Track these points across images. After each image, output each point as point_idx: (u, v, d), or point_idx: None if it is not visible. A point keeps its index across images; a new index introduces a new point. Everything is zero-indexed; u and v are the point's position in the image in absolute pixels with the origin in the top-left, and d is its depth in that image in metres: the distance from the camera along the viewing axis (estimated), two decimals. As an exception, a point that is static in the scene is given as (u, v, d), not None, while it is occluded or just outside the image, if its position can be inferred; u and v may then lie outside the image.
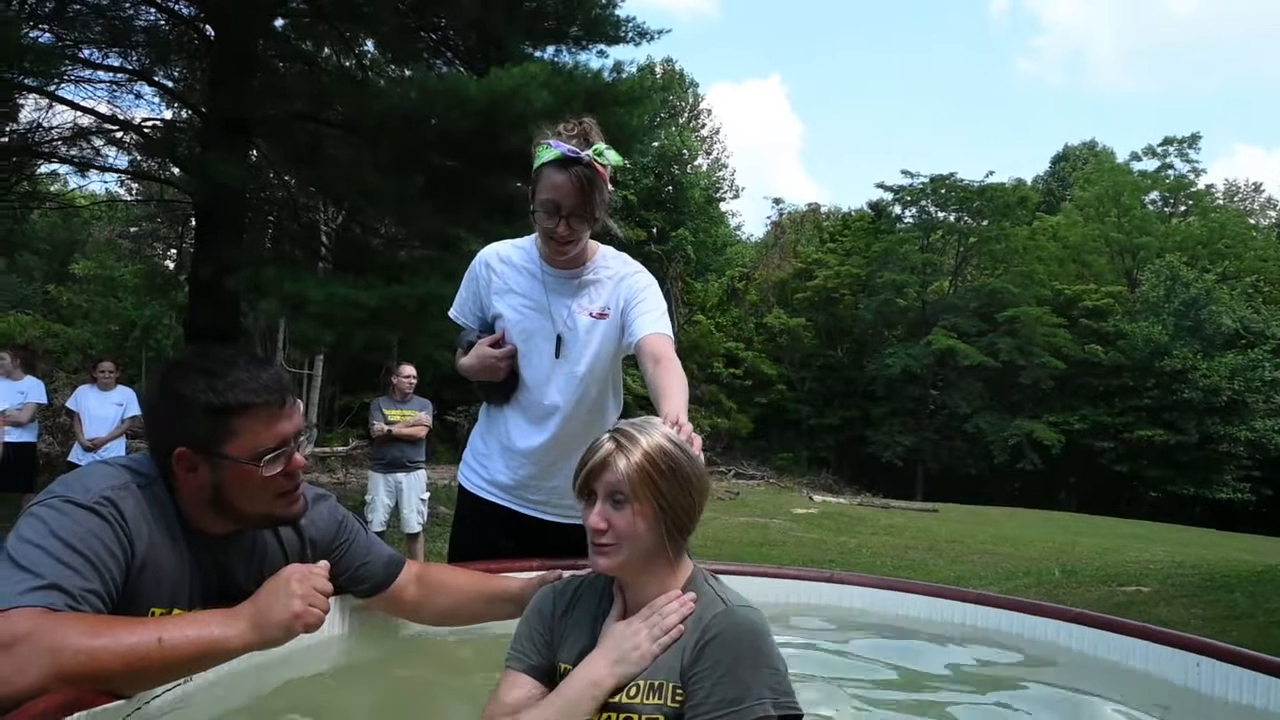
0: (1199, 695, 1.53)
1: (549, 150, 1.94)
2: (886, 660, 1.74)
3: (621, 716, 1.22)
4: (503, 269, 2.14)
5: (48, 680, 1.11)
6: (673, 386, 1.76)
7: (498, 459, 2.20)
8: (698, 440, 1.40)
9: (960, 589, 2.05)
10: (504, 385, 2.15)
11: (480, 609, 1.69)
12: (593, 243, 2.15)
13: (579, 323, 2.09)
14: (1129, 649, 1.67)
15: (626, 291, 2.09)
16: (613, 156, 1.98)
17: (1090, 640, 1.75)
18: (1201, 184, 39.49)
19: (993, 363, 31.15)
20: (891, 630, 1.94)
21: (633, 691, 1.23)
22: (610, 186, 2.04)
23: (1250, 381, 29.37)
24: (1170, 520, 23.88)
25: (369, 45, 11.21)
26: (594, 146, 1.95)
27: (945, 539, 12.59)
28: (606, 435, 1.31)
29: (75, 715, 1.08)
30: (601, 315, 2.09)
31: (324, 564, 1.37)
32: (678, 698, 1.21)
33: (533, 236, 2.16)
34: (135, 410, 7.65)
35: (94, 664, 1.14)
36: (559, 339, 2.09)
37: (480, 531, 2.20)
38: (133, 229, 24.31)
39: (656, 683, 1.23)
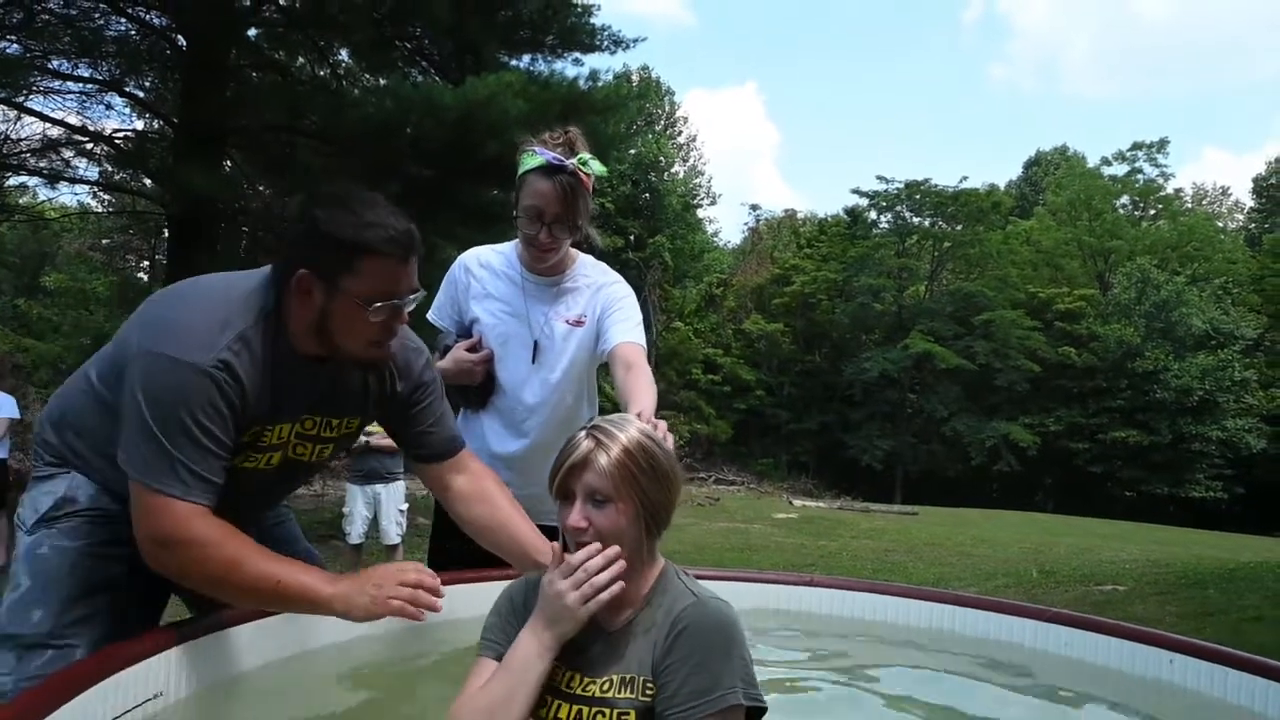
0: (1173, 691, 1.55)
1: (534, 157, 1.95)
2: (866, 662, 1.75)
3: (594, 711, 1.22)
4: (482, 274, 2.15)
5: (208, 582, 1.37)
6: (642, 389, 1.81)
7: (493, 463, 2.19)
8: (670, 436, 1.41)
9: (939, 591, 2.07)
10: (480, 390, 2.16)
11: (504, 542, 1.73)
12: (572, 251, 2.17)
13: (556, 330, 2.10)
14: (1105, 647, 1.69)
15: (603, 300, 2.10)
16: (597, 166, 1.99)
17: (1067, 639, 1.77)
18: (1170, 188, 40.20)
19: (969, 366, 31.44)
20: (871, 633, 1.95)
21: (605, 685, 1.23)
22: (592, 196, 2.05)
23: (1221, 381, 29.85)
24: (1145, 519, 24.17)
25: (343, 54, 11.16)
26: (578, 155, 1.96)
27: (924, 541, 12.66)
28: (583, 433, 1.29)
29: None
30: (578, 323, 2.10)
31: (414, 565, 1.47)
32: (648, 691, 1.21)
33: (513, 243, 2.17)
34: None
35: (236, 581, 1.36)
36: (536, 345, 2.10)
37: (461, 539, 2.18)
38: (104, 241, 24.01)
39: (629, 676, 1.23)
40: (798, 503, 20.37)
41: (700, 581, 1.33)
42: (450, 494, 1.73)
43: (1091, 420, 31.57)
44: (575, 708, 1.23)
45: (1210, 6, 73.99)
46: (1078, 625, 1.78)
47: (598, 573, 1.23)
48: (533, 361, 2.10)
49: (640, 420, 1.35)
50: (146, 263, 24.17)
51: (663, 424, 1.46)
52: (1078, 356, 31.82)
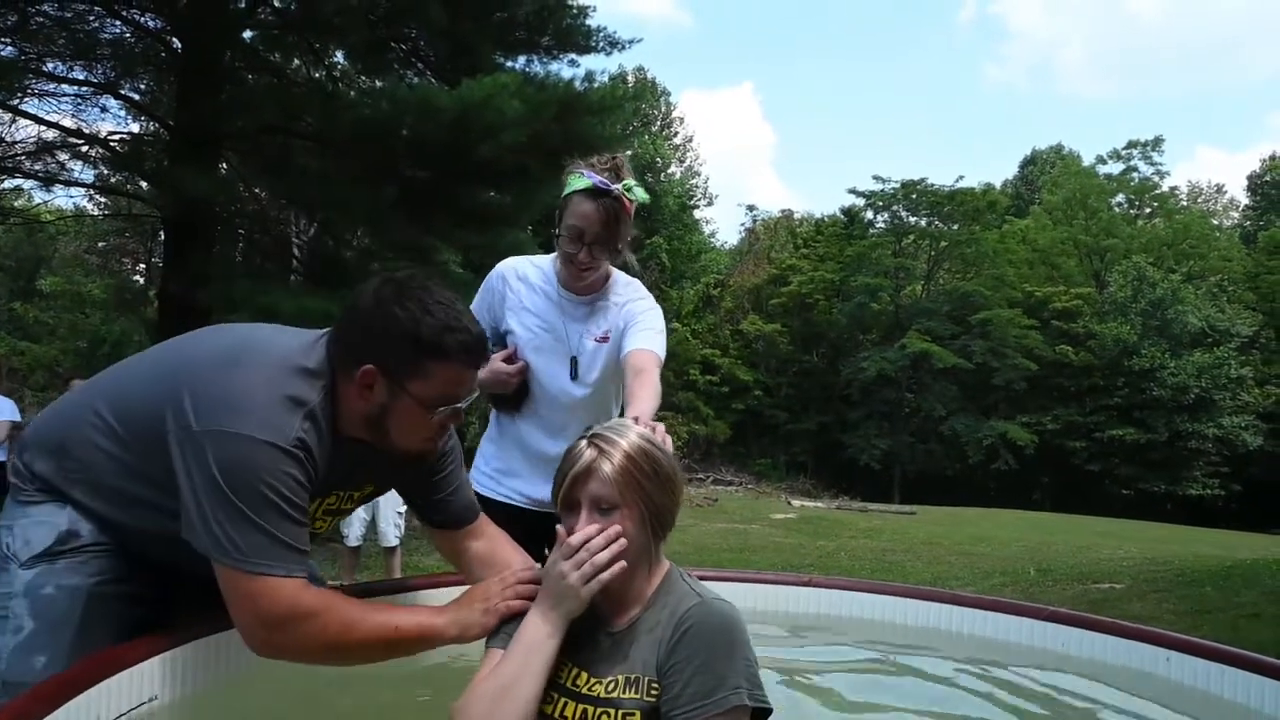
0: (1170, 688, 1.55)
1: (581, 179, 2.00)
2: (865, 662, 1.75)
3: (599, 711, 1.22)
4: (519, 286, 2.19)
5: (327, 651, 1.34)
6: (643, 393, 1.83)
7: (521, 469, 2.24)
8: (669, 438, 1.42)
9: (938, 590, 2.07)
10: (513, 397, 2.20)
11: None
12: (608, 269, 2.22)
13: (587, 347, 2.16)
14: (1102, 645, 1.70)
15: (627, 315, 2.16)
16: (640, 193, 2.04)
17: (1064, 638, 1.77)
18: (1165, 186, 40.31)
19: (966, 365, 31.48)
20: (869, 633, 1.96)
21: (611, 686, 1.24)
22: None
23: (1217, 379, 29.91)
24: (1142, 517, 24.21)
25: (339, 56, 11.14)
26: (624, 182, 2.00)
27: (923, 541, 12.67)
28: (584, 442, 1.30)
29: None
30: (604, 339, 2.16)
31: (520, 574, 1.47)
32: (653, 691, 1.21)
33: (551, 257, 2.21)
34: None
35: (358, 640, 1.34)
36: (574, 361, 2.15)
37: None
38: (100, 244, 23.98)
39: (634, 676, 1.24)
40: (796, 503, 20.38)
41: (701, 583, 1.34)
42: (466, 558, 1.70)
43: (1088, 419, 31.62)
44: (581, 707, 1.23)
45: (1203, 6, 74.21)
46: (1075, 624, 1.78)
47: (599, 552, 1.25)
48: (573, 378, 2.15)
49: (638, 425, 1.36)
50: (142, 265, 24.15)
51: (660, 426, 1.47)
52: (1074, 355, 31.87)
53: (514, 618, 1.36)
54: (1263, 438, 30.10)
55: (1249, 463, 30.21)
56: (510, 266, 2.23)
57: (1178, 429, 30.06)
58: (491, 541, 1.71)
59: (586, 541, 1.25)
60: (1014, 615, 1.89)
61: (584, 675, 1.27)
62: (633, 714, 1.21)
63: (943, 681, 1.61)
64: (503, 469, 2.27)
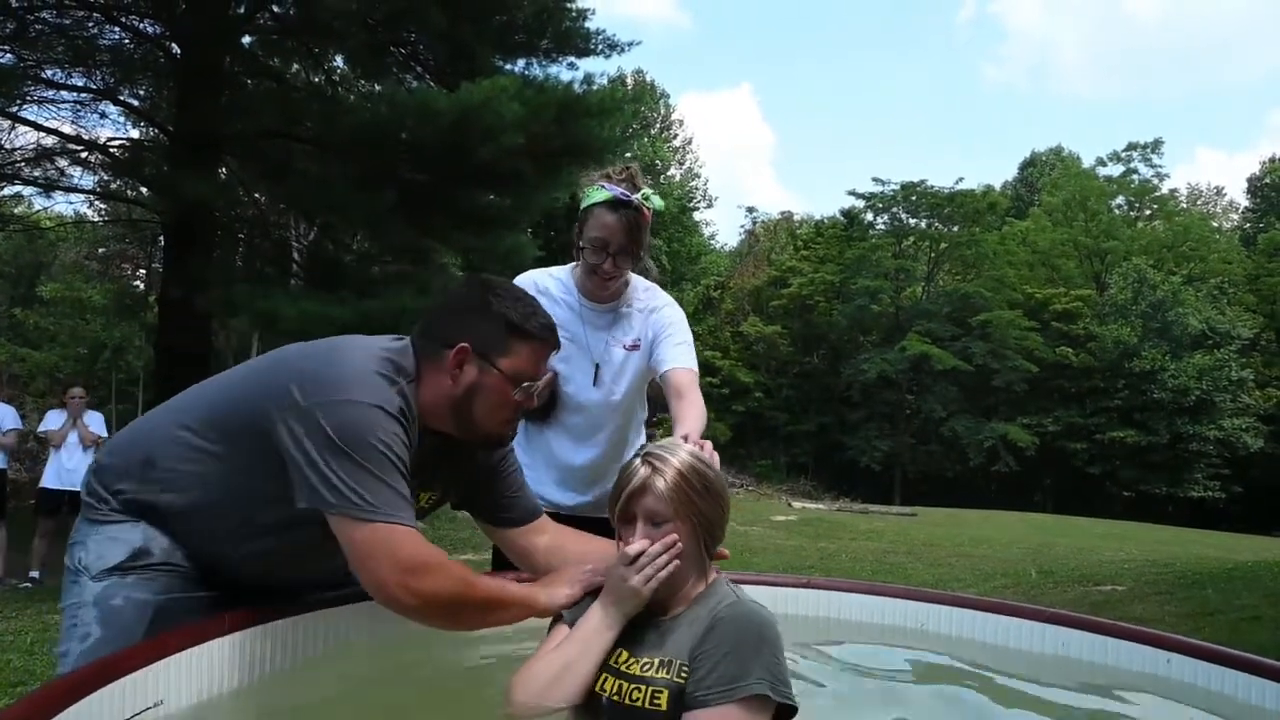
0: (1170, 690, 1.55)
1: (600, 192, 2.06)
2: (865, 665, 1.74)
3: (632, 686, 1.33)
4: (539, 298, 2.20)
5: (451, 603, 1.40)
6: (689, 415, 1.96)
7: (547, 478, 2.30)
8: (716, 455, 1.52)
9: (938, 592, 2.07)
10: (542, 407, 2.23)
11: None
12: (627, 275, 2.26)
13: (614, 355, 2.22)
14: (1102, 647, 1.70)
15: (655, 325, 2.22)
16: (657, 201, 2.11)
17: (1065, 639, 1.77)
18: (1165, 188, 40.32)
19: (966, 367, 31.48)
20: (869, 634, 1.95)
21: (646, 666, 1.35)
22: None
23: (1218, 381, 29.91)
24: (1144, 519, 24.20)
25: (338, 61, 11.17)
26: (641, 191, 2.07)
27: (923, 542, 12.66)
28: (638, 460, 1.41)
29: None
30: (634, 347, 2.22)
31: (597, 567, 1.53)
32: (683, 674, 1.31)
33: (568, 268, 2.27)
34: (104, 434, 7.53)
35: (477, 598, 1.43)
36: (597, 369, 2.21)
37: None
38: (100, 250, 23.98)
39: (667, 659, 1.34)
40: (797, 504, 20.37)
41: (744, 589, 1.45)
42: (537, 553, 1.74)
43: (1089, 420, 31.61)
44: (619, 682, 1.35)
45: (1202, 6, 74.26)
46: (1076, 625, 1.78)
47: (658, 558, 1.37)
48: (594, 384, 2.21)
49: (688, 443, 1.49)
50: (143, 271, 24.15)
51: (708, 444, 1.55)
52: (1075, 357, 31.87)
53: (588, 596, 1.48)
54: (1264, 440, 30.09)
55: (1250, 465, 30.20)
56: (529, 280, 2.26)
57: (1179, 431, 30.06)
58: (559, 534, 1.79)
59: (642, 552, 1.37)
60: (1015, 617, 1.89)
61: (625, 654, 1.39)
62: (661, 692, 1.31)
63: (942, 683, 1.61)
64: (530, 478, 2.31)
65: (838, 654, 1.81)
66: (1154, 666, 1.60)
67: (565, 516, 2.24)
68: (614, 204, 2.04)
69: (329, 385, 1.39)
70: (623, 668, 1.37)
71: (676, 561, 1.37)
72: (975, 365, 31.68)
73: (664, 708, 1.29)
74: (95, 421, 7.39)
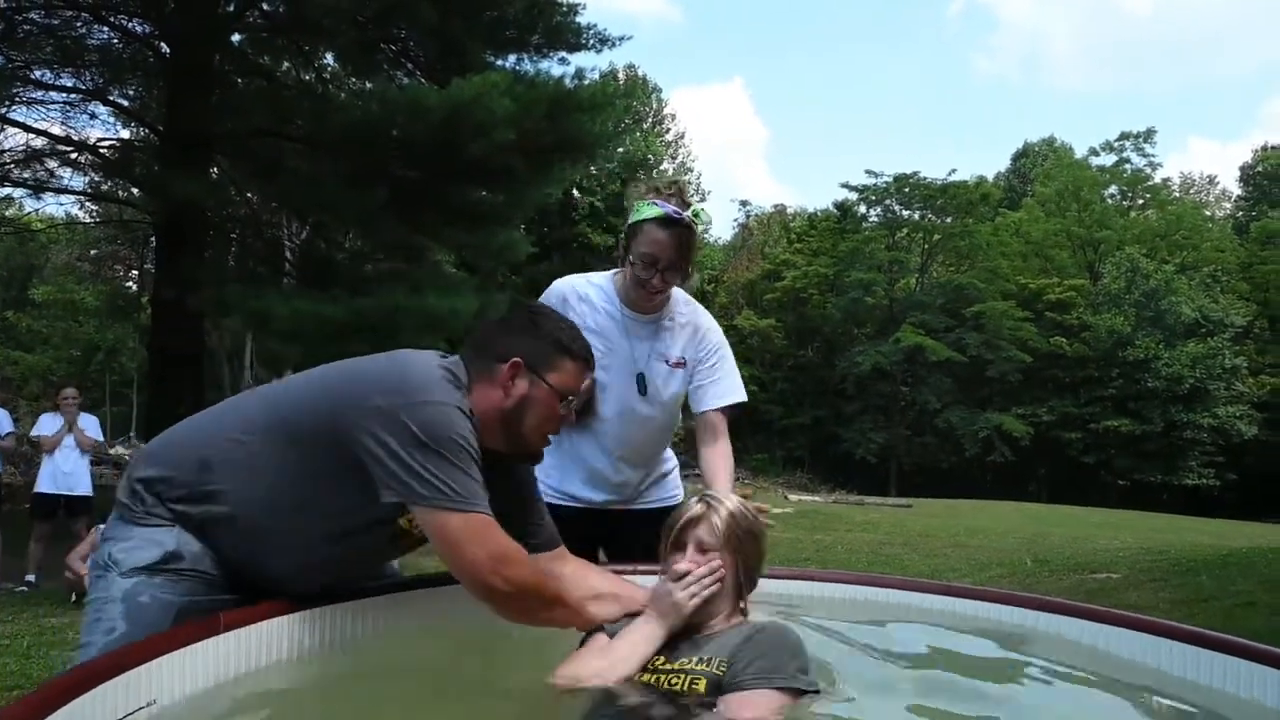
0: (1163, 676, 1.56)
1: (652, 207, 2.06)
2: (861, 656, 1.75)
3: (669, 676, 1.44)
4: (581, 308, 2.23)
5: (530, 595, 1.50)
6: (719, 471, 2.15)
7: (575, 478, 2.32)
8: (763, 512, 1.72)
9: (934, 582, 2.08)
10: (579, 414, 2.22)
11: (614, 596, 1.83)
12: None
13: (657, 369, 2.23)
14: (1096, 634, 1.71)
15: (700, 348, 2.27)
16: (706, 216, 2.13)
17: (1059, 627, 1.78)
18: (1158, 178, 40.42)
19: (961, 358, 31.55)
20: (866, 625, 1.96)
21: (684, 662, 1.47)
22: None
23: (1211, 369, 30.02)
24: (1138, 508, 24.29)
25: (329, 58, 11.13)
26: (692, 208, 2.09)
27: (919, 533, 12.70)
28: (695, 499, 1.63)
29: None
30: (679, 364, 2.25)
31: (693, 567, 1.59)
32: (721, 668, 1.42)
33: (608, 275, 2.28)
34: (98, 437, 7.50)
35: (550, 592, 1.55)
36: (641, 378, 2.22)
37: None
38: (92, 251, 23.90)
39: (709, 657, 1.46)
40: (793, 497, 20.41)
41: None
42: (564, 580, 1.78)
43: (1083, 410, 31.72)
44: (655, 675, 1.46)
45: (1193, -5, 74.31)
46: (1070, 613, 1.79)
47: (704, 578, 1.53)
48: (642, 394, 2.23)
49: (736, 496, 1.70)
50: (135, 272, 24.10)
51: (752, 500, 1.73)
52: (1069, 347, 31.96)
53: (627, 617, 1.61)
54: (1257, 427, 30.24)
55: (1244, 452, 30.34)
56: (569, 286, 2.27)
57: (1172, 419, 30.17)
58: (583, 567, 1.86)
59: (688, 573, 1.53)
60: (1009, 605, 1.89)
61: (663, 659, 1.50)
62: (700, 680, 1.41)
63: (938, 674, 1.62)
64: (556, 478, 2.33)
65: (833, 645, 1.81)
66: (1145, 652, 1.61)
67: (596, 511, 2.32)
68: (666, 221, 2.05)
69: (408, 389, 1.47)
70: (659, 666, 1.48)
71: (718, 585, 1.53)
72: (969, 356, 31.75)
73: (702, 691, 1.39)
74: (90, 424, 7.35)
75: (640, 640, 1.52)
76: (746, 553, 1.58)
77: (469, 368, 1.60)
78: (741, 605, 1.60)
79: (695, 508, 1.59)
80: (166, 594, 1.47)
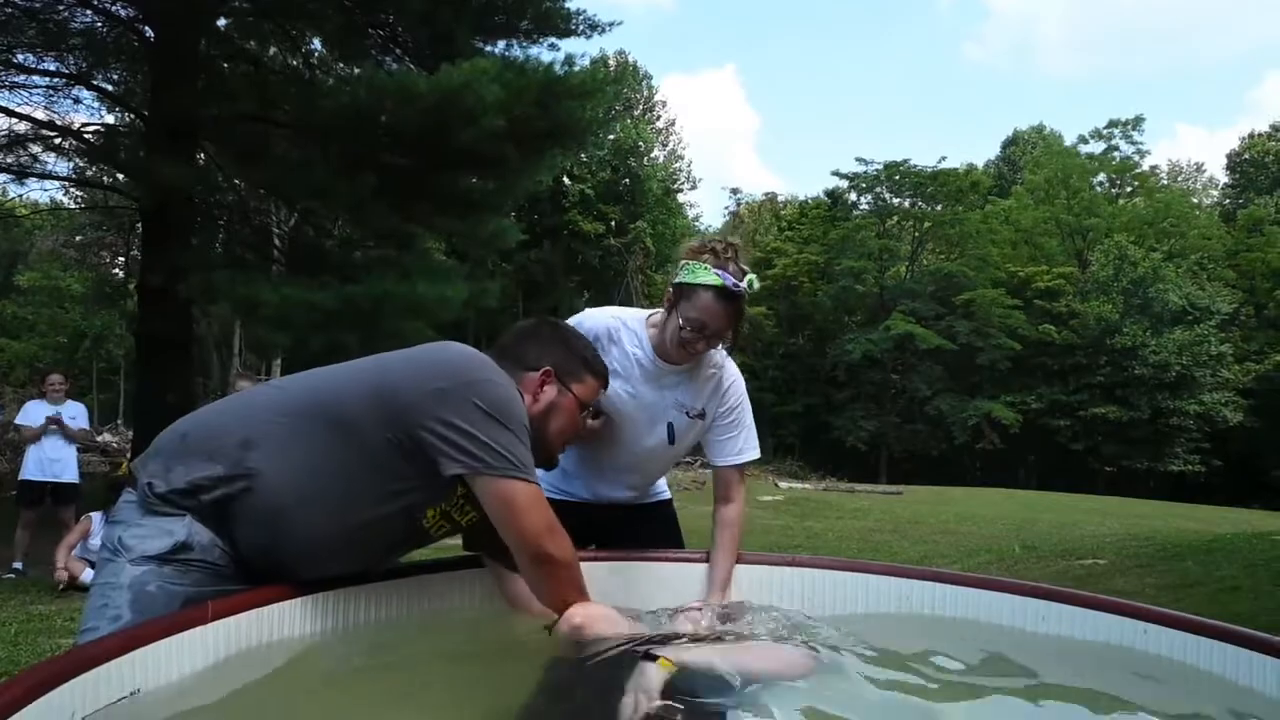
0: (1147, 659, 1.58)
1: (711, 275, 2.00)
2: (846, 641, 1.76)
3: None
4: (611, 349, 2.18)
5: (570, 565, 1.57)
6: (720, 559, 2.13)
7: (578, 482, 2.34)
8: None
9: (923, 569, 2.09)
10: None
11: (521, 606, 1.84)
12: None
13: (680, 421, 2.22)
14: (1081, 619, 1.72)
15: (722, 402, 2.24)
16: (758, 285, 2.11)
17: (1044, 612, 1.79)
18: (1146, 165, 40.52)
19: (950, 345, 31.66)
20: (854, 612, 1.97)
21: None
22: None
23: (1197, 356, 30.22)
24: (1126, 494, 24.49)
25: (316, 43, 11.03)
26: (748, 278, 2.05)
27: (909, 520, 12.78)
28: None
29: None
30: (699, 416, 2.23)
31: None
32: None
33: (641, 319, 2.22)
34: (85, 424, 7.45)
35: (578, 569, 1.60)
36: (670, 428, 2.21)
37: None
38: (78, 237, 23.71)
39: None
40: (784, 485, 20.48)
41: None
42: (511, 581, 1.81)
43: (1072, 397, 31.90)
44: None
45: (1183, -17, 74.35)
46: (1056, 598, 1.80)
47: None
48: (671, 443, 2.23)
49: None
50: (121, 259, 23.91)
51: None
52: (1057, 334, 32.10)
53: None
54: (1242, 414, 30.47)
55: (1229, 438, 30.59)
56: (603, 327, 2.19)
57: (1159, 406, 30.38)
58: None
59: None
60: (997, 592, 1.90)
61: None
62: None
63: (925, 659, 1.63)
64: (563, 479, 2.35)
65: (820, 632, 1.82)
66: (1132, 637, 1.62)
67: (590, 506, 2.32)
68: (724, 294, 2.02)
69: (468, 370, 1.55)
70: None
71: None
72: (959, 344, 31.86)
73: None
74: (77, 411, 7.31)
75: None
76: None
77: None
78: None
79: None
80: (173, 584, 1.47)
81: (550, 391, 1.72)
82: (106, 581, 1.48)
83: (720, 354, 2.24)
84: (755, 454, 2.29)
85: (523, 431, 1.54)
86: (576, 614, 1.53)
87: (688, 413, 2.21)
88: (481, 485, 1.51)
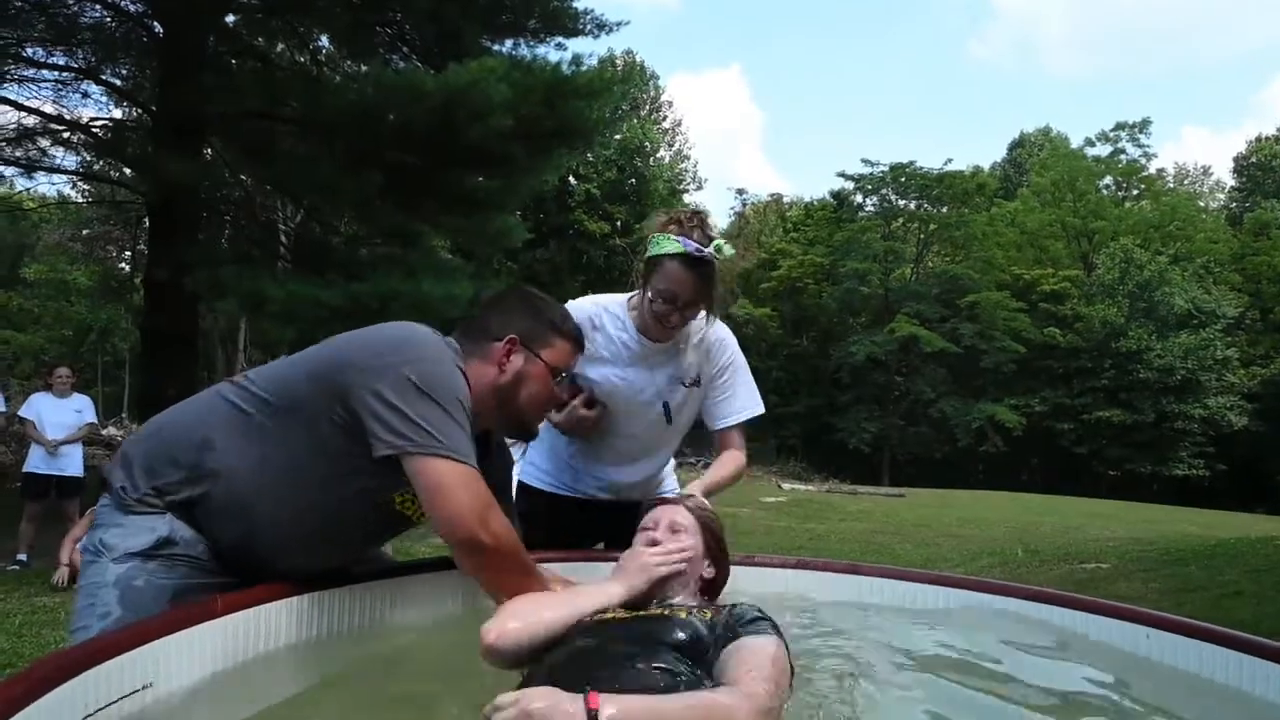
0: (1149, 665, 1.58)
1: (673, 243, 1.99)
2: (853, 644, 1.76)
3: (634, 613, 1.45)
4: (595, 336, 2.17)
5: (511, 548, 1.51)
6: (719, 467, 2.21)
7: (583, 476, 2.32)
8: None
9: (925, 572, 2.09)
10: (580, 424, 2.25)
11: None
12: None
13: (676, 393, 2.21)
14: (1083, 623, 1.72)
15: (713, 363, 2.24)
16: (728, 250, 2.08)
17: (1047, 616, 1.80)
18: (1152, 168, 40.41)
19: (955, 348, 31.59)
20: (856, 613, 1.97)
21: (647, 610, 1.48)
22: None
23: (1203, 360, 30.13)
24: (1129, 498, 24.43)
25: (323, 40, 11.05)
26: (715, 243, 2.01)
27: (912, 523, 12.77)
28: (669, 493, 1.85)
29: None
30: (694, 384, 2.23)
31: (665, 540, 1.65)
32: (690, 609, 1.44)
33: (622, 302, 2.22)
34: (92, 417, 7.48)
35: (522, 551, 1.56)
36: (666, 407, 2.21)
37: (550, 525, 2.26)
38: (84, 231, 23.74)
39: (674, 603, 1.52)
40: (787, 486, 20.46)
41: None
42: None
43: (1076, 400, 31.82)
44: (616, 614, 1.46)
45: (1192, -14, 74.12)
46: (1058, 603, 1.80)
47: (673, 551, 1.59)
48: (668, 423, 2.24)
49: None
50: (128, 253, 23.94)
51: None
52: (1062, 337, 32.03)
53: None
54: (1248, 418, 30.37)
55: (1234, 443, 30.49)
56: (584, 314, 2.17)
57: (1164, 410, 30.30)
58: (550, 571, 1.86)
59: (659, 544, 1.60)
60: (999, 595, 1.91)
61: (624, 611, 1.48)
62: (679, 610, 1.42)
63: (926, 662, 1.63)
64: (572, 477, 2.34)
65: (824, 635, 1.83)
66: (1134, 642, 1.63)
67: (596, 503, 2.32)
68: (687, 259, 1.98)
69: (411, 346, 1.52)
70: (617, 619, 1.44)
71: (685, 564, 1.57)
72: (963, 346, 31.80)
73: (683, 616, 1.39)
74: (84, 404, 7.34)
75: (596, 592, 1.50)
76: (713, 545, 1.65)
77: (463, 348, 1.63)
78: (704, 600, 1.62)
79: (672, 497, 1.71)
80: (161, 578, 1.47)
81: (517, 360, 1.66)
82: (92, 581, 1.47)
83: (702, 321, 2.22)
84: (757, 409, 2.30)
85: (457, 410, 1.48)
86: (490, 632, 1.39)
87: (682, 382, 2.20)
88: (410, 466, 1.45)
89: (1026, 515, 14.95)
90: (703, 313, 2.16)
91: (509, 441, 1.96)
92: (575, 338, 1.77)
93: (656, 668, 1.23)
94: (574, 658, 1.29)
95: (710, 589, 1.67)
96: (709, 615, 1.39)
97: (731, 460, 2.21)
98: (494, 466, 1.75)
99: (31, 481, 7.07)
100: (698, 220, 2.04)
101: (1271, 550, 7.36)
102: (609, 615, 1.44)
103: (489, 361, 1.64)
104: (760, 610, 1.43)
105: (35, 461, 7.08)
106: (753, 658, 1.27)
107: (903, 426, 33.34)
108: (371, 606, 1.70)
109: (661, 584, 1.55)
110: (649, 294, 2.05)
